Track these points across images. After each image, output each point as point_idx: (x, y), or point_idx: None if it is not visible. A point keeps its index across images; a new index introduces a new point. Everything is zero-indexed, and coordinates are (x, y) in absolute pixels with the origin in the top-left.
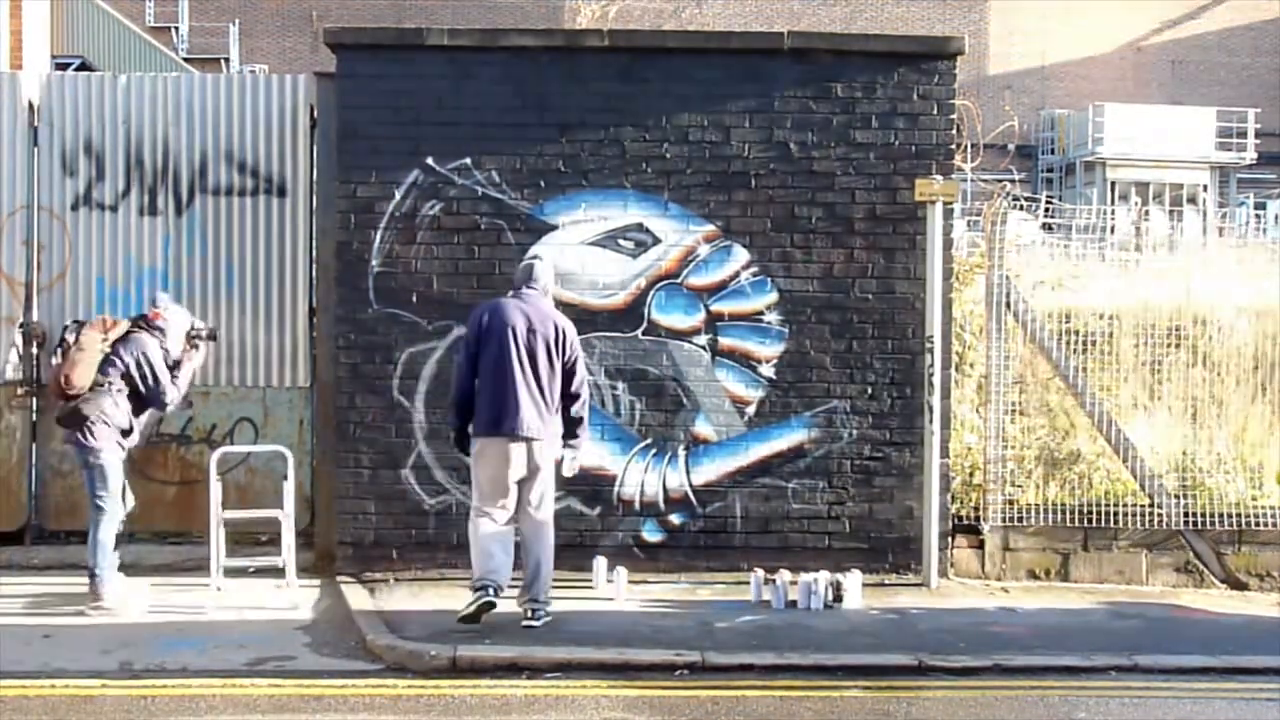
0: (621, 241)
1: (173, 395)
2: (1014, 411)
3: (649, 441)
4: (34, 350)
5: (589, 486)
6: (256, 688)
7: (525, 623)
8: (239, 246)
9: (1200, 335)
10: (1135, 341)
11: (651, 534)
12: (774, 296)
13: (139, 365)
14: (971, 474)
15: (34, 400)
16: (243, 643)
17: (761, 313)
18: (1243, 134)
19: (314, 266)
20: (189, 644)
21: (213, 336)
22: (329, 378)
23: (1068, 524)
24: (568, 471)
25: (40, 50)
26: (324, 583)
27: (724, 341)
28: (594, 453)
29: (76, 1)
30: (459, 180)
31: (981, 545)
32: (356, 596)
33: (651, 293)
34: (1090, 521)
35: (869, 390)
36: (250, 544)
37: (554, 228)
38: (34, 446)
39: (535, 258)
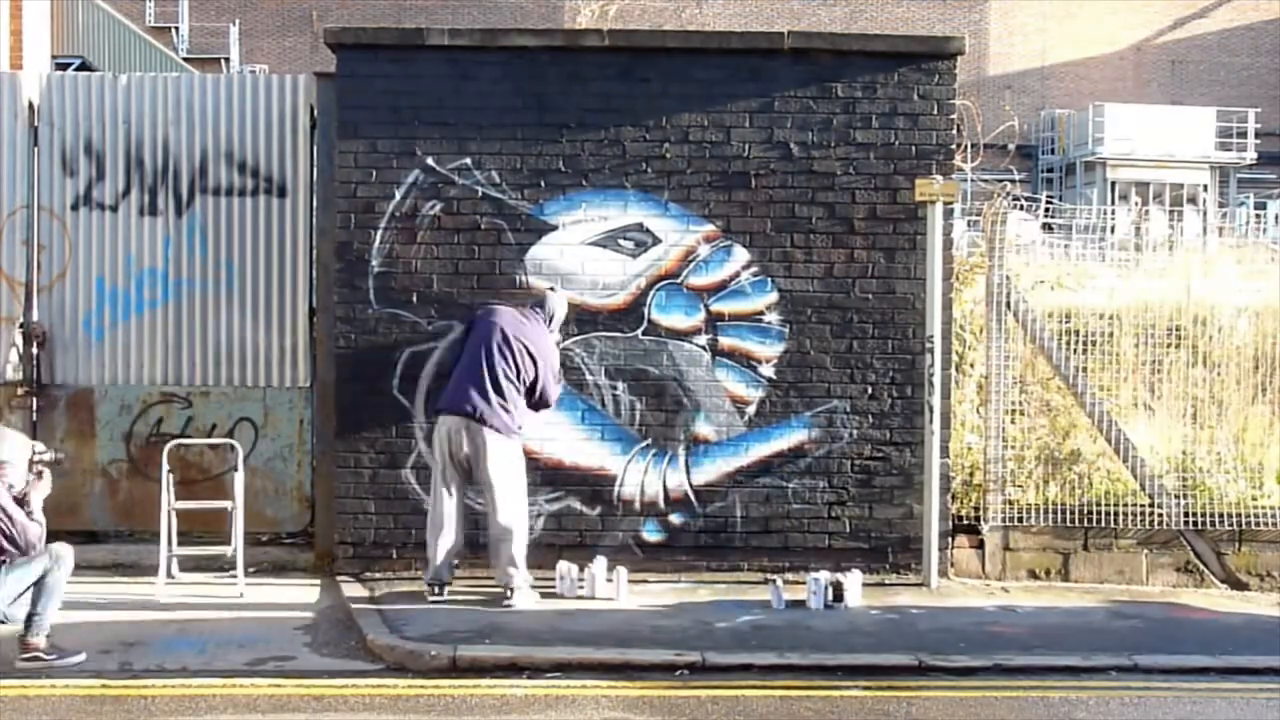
0: (621, 241)
1: (35, 534)
2: (1014, 411)
3: (649, 441)
4: (34, 350)
5: (589, 486)
6: (256, 688)
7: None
8: (239, 246)
9: (1200, 335)
10: (1135, 341)
11: (652, 534)
12: (774, 296)
13: None
14: (971, 474)
15: (34, 400)
16: (243, 643)
17: (762, 313)
18: (1243, 134)
19: (314, 266)
20: (189, 644)
21: (57, 462)
22: (329, 378)
23: (1068, 524)
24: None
25: (40, 50)
26: (324, 583)
27: (724, 341)
28: (594, 453)
29: (76, 1)
30: (459, 180)
31: (981, 545)
32: (356, 596)
33: (651, 293)
34: (1090, 521)
35: (869, 390)
36: (251, 544)
37: (554, 228)
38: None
39: (552, 289)
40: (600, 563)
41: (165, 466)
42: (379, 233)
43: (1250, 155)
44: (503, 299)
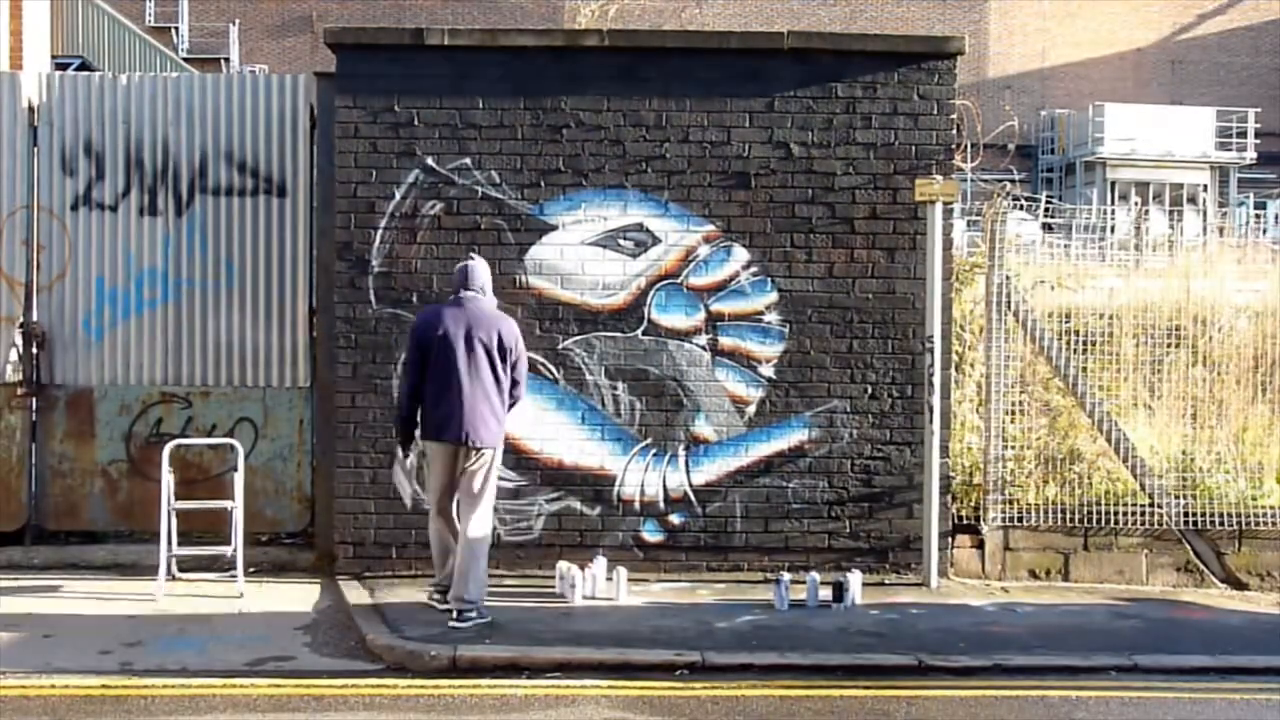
0: (621, 241)
1: None
2: (1014, 411)
3: (649, 441)
4: (34, 350)
5: (589, 486)
6: (256, 688)
7: (451, 623)
8: (239, 246)
9: (1200, 335)
10: (1135, 341)
11: (652, 534)
12: (774, 296)
13: None
14: (972, 474)
15: (34, 401)
16: (243, 642)
17: (762, 313)
18: (1243, 134)
19: (314, 266)
20: (189, 644)
21: None
22: (329, 378)
23: (1068, 524)
24: None
25: (40, 50)
26: (324, 583)
27: (724, 341)
28: (594, 453)
29: (76, 1)
30: (459, 180)
31: (981, 545)
32: (356, 596)
33: (651, 293)
34: (1090, 521)
35: (869, 390)
36: (251, 544)
37: (554, 228)
38: (34, 447)
39: (469, 258)
40: (600, 563)
41: (165, 466)
42: (379, 233)
43: (1250, 155)
44: (503, 299)
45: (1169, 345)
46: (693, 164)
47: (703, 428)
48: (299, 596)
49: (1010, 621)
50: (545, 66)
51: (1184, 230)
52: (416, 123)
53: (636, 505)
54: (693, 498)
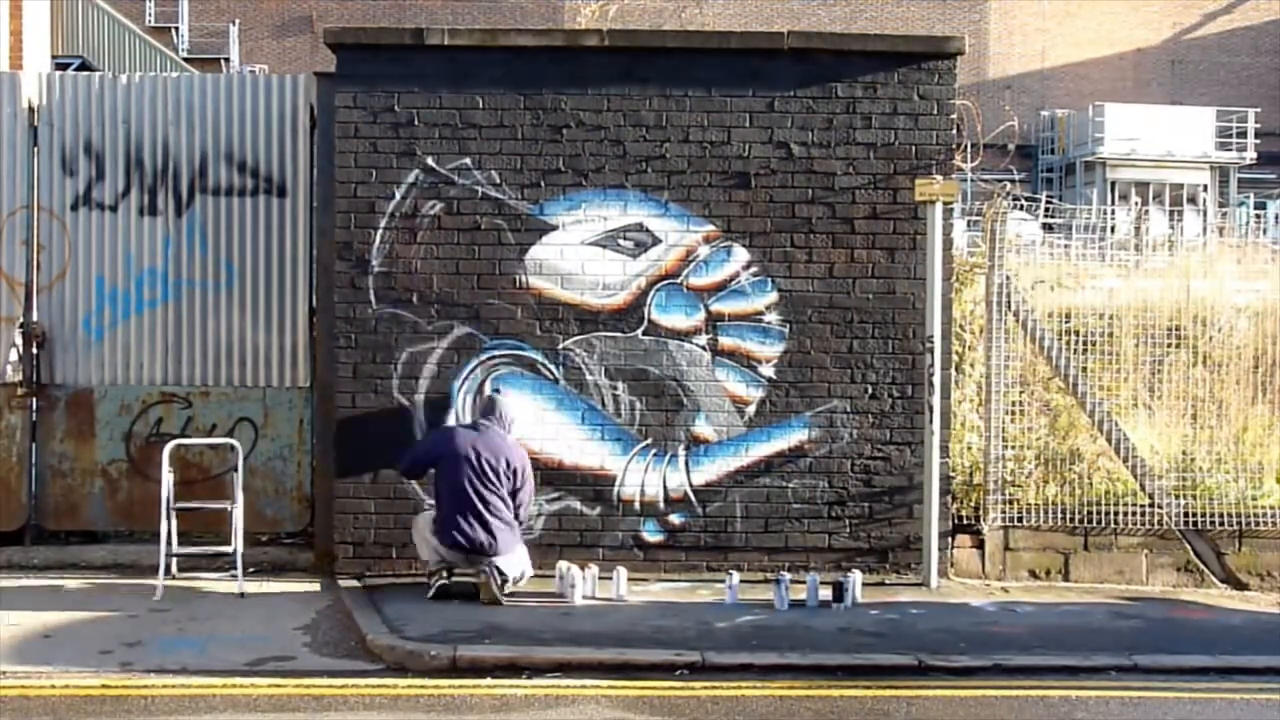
0: (621, 241)
1: None
2: (1014, 411)
3: (649, 441)
4: (34, 350)
5: (589, 486)
6: (256, 688)
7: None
8: (239, 246)
9: (1200, 335)
10: (1135, 341)
11: (652, 534)
12: (774, 296)
13: None
14: (972, 474)
15: (34, 401)
16: (243, 642)
17: (762, 313)
18: (1243, 134)
19: (314, 266)
20: (189, 644)
21: None
22: (329, 378)
23: (1068, 524)
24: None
25: (40, 50)
26: (324, 583)
27: (724, 341)
28: (594, 453)
29: (76, 1)
30: (459, 180)
31: (981, 545)
32: (356, 596)
33: (652, 293)
34: (1090, 521)
35: (869, 390)
36: (251, 544)
37: (554, 228)
38: (34, 447)
39: (497, 391)
40: (600, 563)
41: (165, 466)
42: (379, 233)
43: (1250, 155)
44: (503, 299)
45: (1169, 345)
46: (693, 164)
47: (703, 428)
48: (299, 596)
49: (1010, 621)
50: (545, 66)
51: (1184, 230)
52: (416, 123)
53: (636, 505)
54: (693, 498)
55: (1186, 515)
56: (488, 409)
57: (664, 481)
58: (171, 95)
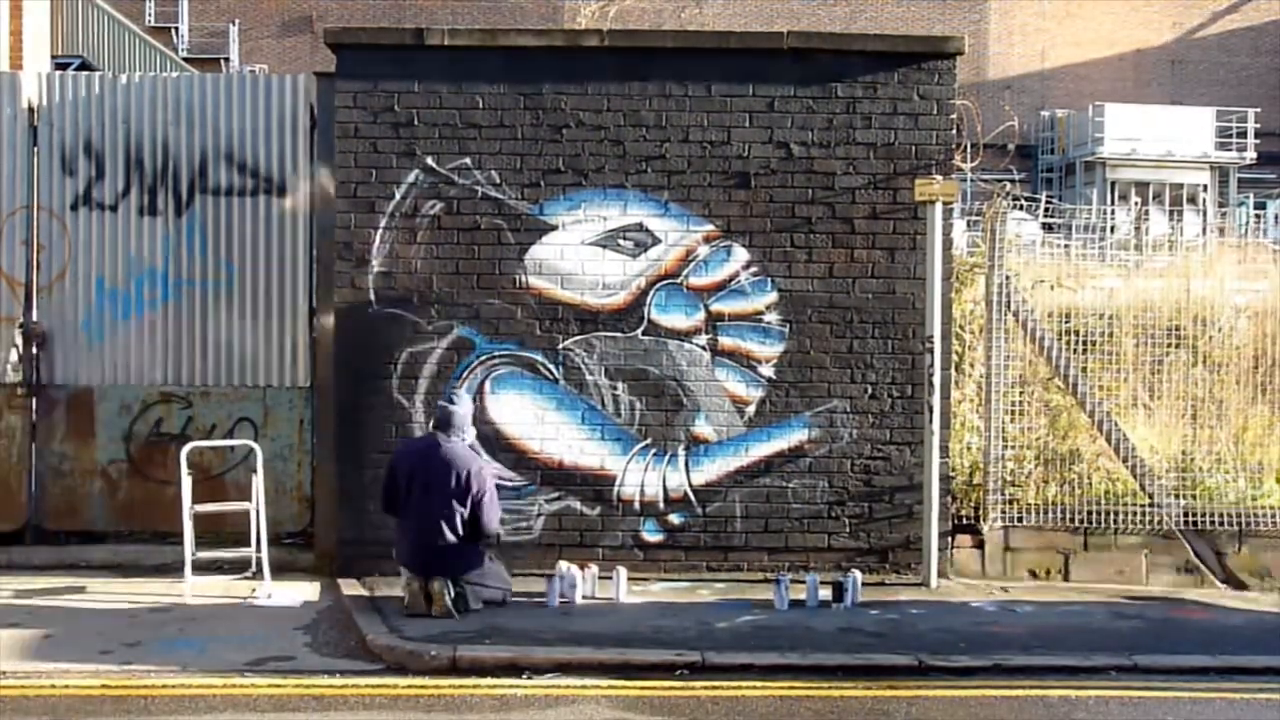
0: (621, 241)
1: None
2: (1014, 411)
3: (649, 441)
4: (34, 350)
5: (589, 486)
6: (256, 687)
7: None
8: (239, 246)
9: (1200, 335)
10: (1135, 341)
11: (651, 534)
12: (774, 296)
13: None
14: (972, 474)
15: (34, 401)
16: (243, 642)
17: (761, 313)
18: (1243, 134)
19: (314, 266)
20: (189, 644)
21: None
22: (329, 378)
23: (1068, 524)
24: None
25: (40, 50)
26: (324, 582)
27: (724, 341)
28: (594, 453)
29: (76, 1)
30: (459, 180)
31: (981, 545)
32: (356, 596)
33: (651, 293)
34: (1090, 521)
35: (869, 390)
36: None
37: (554, 228)
38: (34, 447)
39: (452, 402)
40: (600, 563)
41: (184, 469)
42: (379, 233)
43: (1250, 155)
44: (503, 299)
45: (1169, 345)
46: (693, 164)
47: (703, 428)
48: (299, 596)
49: (1010, 621)
50: (545, 66)
51: (1184, 230)
52: (416, 123)
53: (636, 505)
54: (693, 498)
55: (1186, 515)
56: (441, 422)
57: (664, 481)
58: (171, 95)
